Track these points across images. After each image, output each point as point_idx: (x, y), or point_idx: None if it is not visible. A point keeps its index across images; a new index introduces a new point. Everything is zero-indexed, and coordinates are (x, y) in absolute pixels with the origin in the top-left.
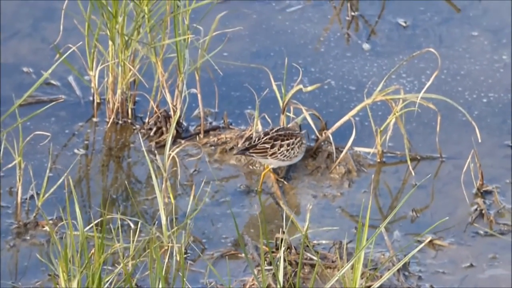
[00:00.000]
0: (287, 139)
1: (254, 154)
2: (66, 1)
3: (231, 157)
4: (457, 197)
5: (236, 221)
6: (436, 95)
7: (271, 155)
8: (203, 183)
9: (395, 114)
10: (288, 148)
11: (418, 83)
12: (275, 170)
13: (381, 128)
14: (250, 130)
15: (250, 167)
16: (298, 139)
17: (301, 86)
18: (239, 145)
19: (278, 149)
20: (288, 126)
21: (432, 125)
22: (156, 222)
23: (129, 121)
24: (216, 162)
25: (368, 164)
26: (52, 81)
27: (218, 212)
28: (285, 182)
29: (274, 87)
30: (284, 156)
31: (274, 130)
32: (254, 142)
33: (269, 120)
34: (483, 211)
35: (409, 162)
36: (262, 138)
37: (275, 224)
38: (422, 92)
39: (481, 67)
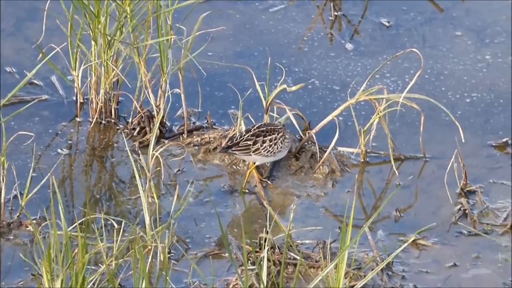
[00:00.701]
0: (269, 135)
1: (237, 152)
2: (49, 1)
3: (214, 157)
4: (441, 197)
5: (220, 221)
6: (419, 95)
7: (254, 151)
8: (187, 183)
9: (378, 114)
10: (271, 143)
11: (402, 83)
12: (258, 170)
13: (365, 128)
14: (234, 130)
15: (234, 166)
16: (281, 134)
17: (284, 86)
18: (222, 145)
19: (261, 145)
20: (270, 122)
21: (415, 125)
22: (140, 221)
23: (113, 121)
24: (200, 162)
25: (352, 164)
26: (35, 81)
27: (201, 211)
28: (269, 182)
29: (258, 87)
30: (268, 152)
31: (255, 127)
32: (236, 140)
33: (252, 120)
34: (467, 211)
35: (392, 162)
36: (244, 135)
37: (258, 224)
38: (405, 91)
39: (464, 67)
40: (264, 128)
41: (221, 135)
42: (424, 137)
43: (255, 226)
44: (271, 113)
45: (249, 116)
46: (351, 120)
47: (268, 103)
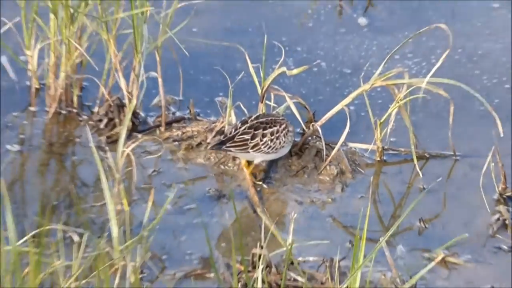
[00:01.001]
0: (270, 127)
1: (232, 148)
2: None
3: (198, 155)
4: (475, 204)
5: (206, 233)
6: (448, 79)
7: (252, 147)
8: (164, 186)
9: (398, 102)
10: (273, 137)
11: (427, 65)
12: (253, 172)
13: (382, 120)
14: (222, 122)
15: (222, 166)
16: (283, 126)
17: (284, 68)
18: (208, 140)
19: (261, 140)
20: (269, 112)
21: (443, 116)
22: (106, 234)
23: (75, 111)
24: (181, 161)
25: (366, 164)
26: None
27: (182, 222)
28: (264, 186)
29: (251, 70)
30: (269, 148)
31: (253, 118)
32: (230, 133)
33: (244, 110)
34: (507, 221)
35: (415, 161)
36: (240, 128)
37: (251, 236)
38: (430, 75)
39: (503, 46)
40: (264, 120)
41: (207, 128)
42: (454, 131)
43: (248, 240)
44: (267, 102)
45: (241, 105)
46: (364, 110)
47: (264, 89)
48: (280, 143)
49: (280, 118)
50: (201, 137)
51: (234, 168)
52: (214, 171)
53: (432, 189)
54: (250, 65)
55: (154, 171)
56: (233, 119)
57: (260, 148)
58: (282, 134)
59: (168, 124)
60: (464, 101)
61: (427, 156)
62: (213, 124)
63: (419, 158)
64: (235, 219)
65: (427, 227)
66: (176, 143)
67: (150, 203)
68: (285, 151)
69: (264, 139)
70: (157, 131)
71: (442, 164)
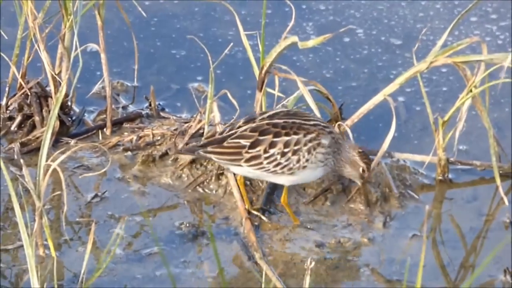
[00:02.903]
0: (288, 134)
1: (213, 156)
2: None
3: (163, 172)
4: None
5: None
6: None
7: (248, 160)
8: (111, 219)
9: (471, 91)
10: (287, 150)
11: (510, 35)
12: (248, 198)
13: (445, 118)
14: (199, 122)
15: (199, 189)
16: (313, 135)
17: (295, 38)
18: (185, 140)
19: (265, 151)
20: (299, 109)
21: None
22: None
23: None
24: (137, 180)
25: (421, 185)
26: None
27: (138, 273)
28: (264, 218)
29: (245, 41)
30: (278, 166)
31: (266, 115)
32: (222, 133)
33: (234, 102)
34: None
35: (498, 181)
36: (240, 127)
37: None
38: None
39: None
40: (282, 121)
41: (176, 130)
42: None
43: None
44: (269, 90)
45: (228, 94)
46: (418, 103)
47: (263, 71)
48: (299, 161)
49: (312, 122)
50: (167, 144)
51: (218, 192)
52: (188, 197)
53: None
54: (242, 33)
55: (95, 196)
56: (216, 116)
57: (261, 163)
58: (306, 148)
59: (117, 124)
60: None
61: None
62: (186, 125)
63: (505, 176)
64: (220, 270)
65: None
66: (129, 153)
67: (89, 246)
68: (310, 175)
69: (271, 151)
70: (100, 135)
71: None
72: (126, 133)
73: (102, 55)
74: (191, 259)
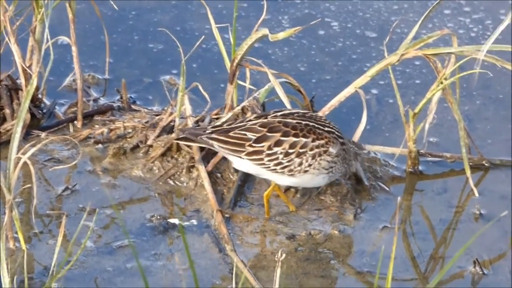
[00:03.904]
0: (297, 135)
1: (216, 143)
2: None
3: (134, 164)
4: None
5: (142, 284)
6: None
7: (250, 154)
8: (81, 212)
9: (441, 83)
10: (292, 151)
11: (483, 28)
12: (217, 189)
13: (416, 110)
14: (171, 114)
15: (171, 182)
16: (322, 141)
17: (265, 31)
18: (150, 140)
19: (269, 148)
20: (315, 113)
21: (510, 105)
22: None
23: None
24: (107, 173)
25: (392, 177)
26: None
27: (109, 266)
28: (233, 212)
29: (216, 34)
30: (278, 165)
31: (280, 114)
32: (231, 124)
33: (205, 94)
34: None
35: (468, 172)
36: (250, 120)
37: None
38: (491, 41)
39: None
40: (295, 121)
41: (147, 123)
42: None
43: None
44: (240, 82)
45: (200, 87)
46: (391, 96)
47: (235, 63)
48: (301, 164)
49: (326, 128)
50: (138, 136)
51: (189, 184)
52: (159, 189)
53: (493, 215)
54: (214, 26)
55: (66, 189)
56: (188, 109)
57: (262, 159)
58: (311, 153)
59: (88, 117)
60: None
61: (487, 165)
62: (157, 117)
63: (474, 168)
64: (190, 263)
65: (486, 273)
66: (100, 145)
67: (60, 239)
68: (312, 180)
69: (275, 149)
70: (71, 128)
71: (510, 178)
72: (97, 126)
73: (73, 48)
74: (162, 252)
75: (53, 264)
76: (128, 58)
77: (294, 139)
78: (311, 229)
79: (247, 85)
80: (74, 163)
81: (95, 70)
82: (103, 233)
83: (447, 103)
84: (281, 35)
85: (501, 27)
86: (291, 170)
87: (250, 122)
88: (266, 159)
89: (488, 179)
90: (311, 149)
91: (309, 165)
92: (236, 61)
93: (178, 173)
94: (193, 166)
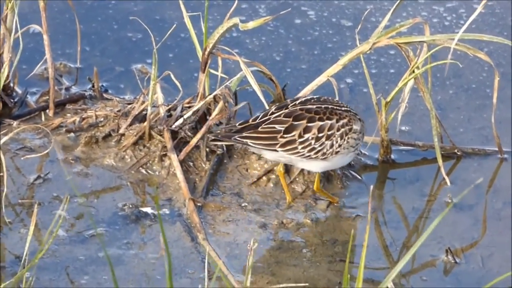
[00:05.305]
0: (322, 119)
1: (250, 141)
2: None
3: (106, 153)
4: None
5: (115, 273)
6: (490, 36)
7: (284, 145)
8: (54, 201)
9: (413, 71)
10: (321, 135)
11: (456, 17)
12: (189, 178)
13: (388, 99)
14: (143, 103)
15: (143, 171)
16: (345, 120)
17: (236, 20)
18: (122, 129)
19: (300, 136)
20: (329, 97)
21: (483, 94)
22: None
23: None
24: (79, 162)
25: (364, 166)
26: None
27: (81, 255)
28: (206, 201)
29: (188, 22)
30: (312, 151)
31: (298, 102)
32: (256, 119)
33: (177, 83)
34: None
35: (440, 161)
36: (273, 114)
37: (188, 277)
38: (463, 29)
39: None
40: (315, 107)
41: (119, 111)
42: (500, 116)
43: (182, 282)
44: (212, 71)
45: (172, 76)
46: (364, 85)
47: (207, 52)
48: (333, 146)
49: (343, 108)
50: (110, 125)
51: (161, 173)
52: (131, 178)
53: (466, 204)
54: (185, 14)
55: (38, 177)
56: (159, 97)
57: (296, 148)
58: (339, 133)
59: (60, 106)
60: None
61: (459, 154)
62: (129, 106)
63: (447, 156)
64: (163, 251)
65: (458, 261)
66: (72, 134)
67: (32, 228)
68: (341, 160)
69: (306, 136)
70: (43, 116)
71: (482, 166)
72: (69, 115)
73: (45, 37)
74: (134, 240)
75: (25, 253)
76: (100, 47)
77: (320, 123)
78: (283, 217)
79: (219, 73)
80: (46, 151)
81: (66, 58)
82: (75, 222)
83: (420, 91)
84: (251, 25)
85: (473, 16)
86: (324, 154)
87: (274, 115)
88: (299, 147)
89: (460, 168)
90: (338, 129)
91: (339, 146)
92: (208, 49)
93: (150, 162)
94: (165, 155)
